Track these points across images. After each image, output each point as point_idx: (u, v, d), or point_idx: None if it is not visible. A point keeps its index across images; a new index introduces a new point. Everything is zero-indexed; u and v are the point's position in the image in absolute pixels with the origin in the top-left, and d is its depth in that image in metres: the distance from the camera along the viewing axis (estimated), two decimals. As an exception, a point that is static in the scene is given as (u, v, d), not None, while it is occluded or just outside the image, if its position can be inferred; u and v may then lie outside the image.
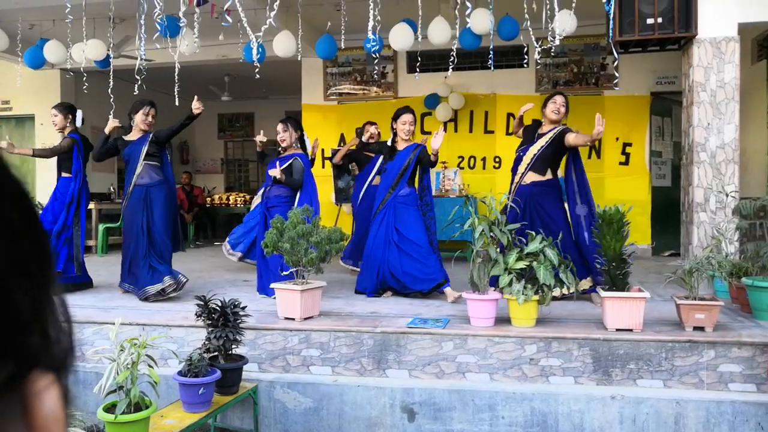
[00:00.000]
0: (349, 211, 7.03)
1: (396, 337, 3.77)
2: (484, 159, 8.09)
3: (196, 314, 3.49)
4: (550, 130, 4.66)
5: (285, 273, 4.28)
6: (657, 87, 7.76)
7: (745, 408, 3.32)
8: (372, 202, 5.80)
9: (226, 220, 11.62)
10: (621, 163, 7.83)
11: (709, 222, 4.84)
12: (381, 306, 4.54)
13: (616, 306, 3.64)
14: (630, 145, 7.80)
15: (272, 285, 4.27)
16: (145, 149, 4.95)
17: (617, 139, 7.81)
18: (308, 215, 4.19)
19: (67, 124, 5.39)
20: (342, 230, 4.24)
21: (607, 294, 3.69)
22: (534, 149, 4.64)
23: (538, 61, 7.77)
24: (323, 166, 7.84)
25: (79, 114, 5.41)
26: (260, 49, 5.55)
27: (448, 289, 4.69)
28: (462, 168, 8.02)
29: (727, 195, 4.75)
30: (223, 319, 3.40)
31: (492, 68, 5.34)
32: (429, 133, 7.75)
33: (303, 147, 5.28)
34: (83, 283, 5.37)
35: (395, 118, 5.03)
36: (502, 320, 3.84)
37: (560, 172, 4.85)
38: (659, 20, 4.92)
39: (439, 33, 5.65)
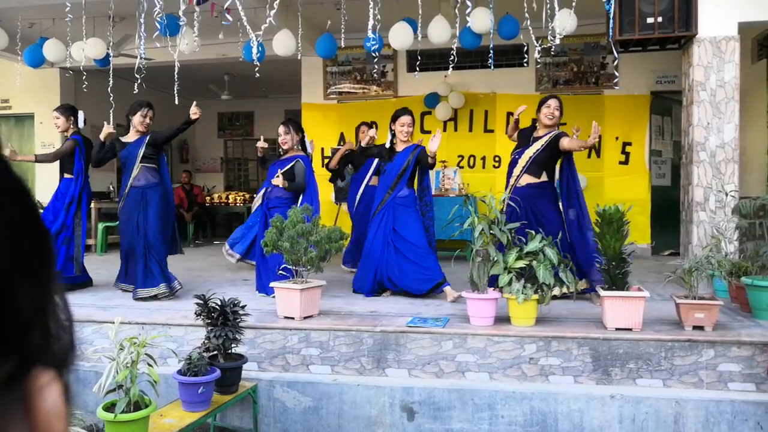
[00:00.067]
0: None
1: (395, 336, 3.77)
2: (483, 158, 8.09)
3: (195, 313, 3.49)
4: (546, 134, 4.67)
5: (282, 271, 4.28)
6: (657, 86, 7.76)
7: (744, 407, 3.32)
8: (369, 203, 5.81)
9: (225, 219, 11.63)
10: (621, 163, 7.83)
11: (709, 221, 4.84)
12: (380, 305, 4.54)
13: (616, 305, 3.64)
14: (630, 144, 7.80)
15: (272, 284, 4.27)
16: (142, 151, 4.95)
17: (617, 138, 7.81)
18: (308, 214, 4.19)
19: (70, 126, 5.38)
20: (341, 229, 4.24)
21: (606, 293, 3.69)
22: (529, 152, 4.66)
23: (538, 61, 7.76)
24: (323, 165, 7.83)
25: (81, 115, 5.42)
26: (260, 48, 5.55)
27: (447, 288, 4.69)
28: (462, 167, 8.02)
29: (726, 194, 4.75)
30: (223, 318, 3.39)
31: (492, 67, 5.34)
32: (429, 132, 7.75)
33: (304, 149, 5.28)
34: (83, 282, 5.37)
35: (394, 119, 5.04)
36: (502, 319, 3.84)
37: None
38: (659, 19, 4.92)
39: (439, 32, 5.65)
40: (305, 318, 4.01)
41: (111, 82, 5.78)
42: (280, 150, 5.28)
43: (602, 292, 3.73)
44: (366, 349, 3.80)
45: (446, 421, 3.56)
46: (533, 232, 4.02)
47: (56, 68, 8.46)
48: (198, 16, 5.53)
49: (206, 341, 3.41)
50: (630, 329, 3.60)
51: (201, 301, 3.44)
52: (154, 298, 4.76)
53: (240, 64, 6.56)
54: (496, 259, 3.87)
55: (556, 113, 4.67)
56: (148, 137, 5.01)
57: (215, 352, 3.40)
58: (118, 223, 5.57)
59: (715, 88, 4.88)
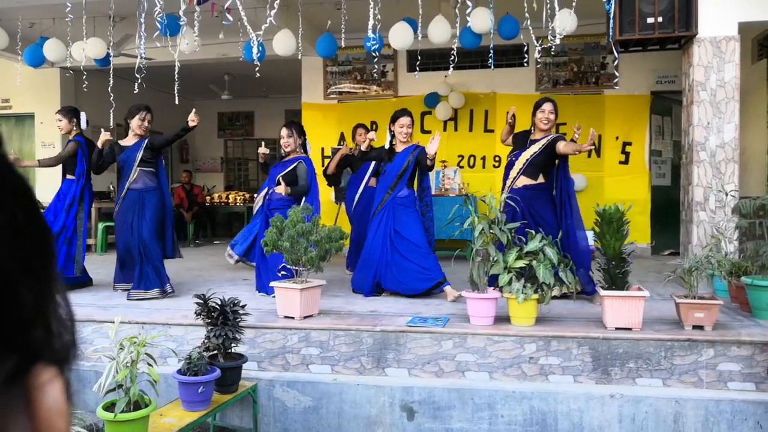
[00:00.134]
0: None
1: (395, 335, 3.77)
2: (483, 158, 8.09)
3: (195, 313, 3.49)
4: (543, 137, 4.68)
5: (282, 272, 4.28)
6: (657, 86, 7.76)
7: (744, 407, 3.32)
8: (368, 203, 5.81)
9: (225, 218, 11.63)
10: (621, 162, 7.83)
11: (709, 221, 4.84)
12: (380, 305, 4.54)
13: (616, 305, 3.64)
14: (630, 144, 7.80)
15: (272, 283, 4.28)
16: (140, 155, 4.97)
17: (617, 138, 7.81)
18: (308, 214, 4.19)
19: (73, 128, 5.40)
20: (341, 229, 4.24)
21: (606, 293, 3.69)
22: (527, 155, 4.67)
23: (539, 60, 7.76)
24: (323, 164, 7.84)
25: (83, 116, 5.43)
26: (260, 48, 5.55)
27: (447, 288, 4.69)
28: (462, 167, 8.02)
29: (726, 194, 4.76)
30: (223, 318, 3.40)
31: (492, 67, 5.34)
32: (429, 132, 7.75)
33: (304, 151, 5.28)
34: (82, 282, 5.38)
35: (393, 120, 5.04)
36: (502, 319, 3.84)
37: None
38: (659, 19, 4.92)
39: (440, 32, 5.65)
40: (305, 317, 4.01)
41: (111, 81, 5.78)
42: (282, 152, 5.28)
43: (602, 292, 3.73)
44: (366, 349, 3.80)
45: (446, 421, 3.56)
46: (533, 231, 4.02)
47: (56, 68, 8.46)
48: (198, 16, 5.53)
49: (206, 341, 3.42)
50: (630, 329, 3.60)
51: (201, 301, 3.45)
52: (146, 299, 4.80)
53: (240, 63, 6.56)
54: (496, 258, 3.87)
55: (551, 117, 4.68)
56: (146, 141, 5.03)
57: (215, 352, 3.40)
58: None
59: (715, 88, 4.88)
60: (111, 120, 5.94)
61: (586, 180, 7.71)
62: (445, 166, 7.68)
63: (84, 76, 6.24)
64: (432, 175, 7.16)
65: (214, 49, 7.39)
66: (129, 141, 5.10)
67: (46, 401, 0.49)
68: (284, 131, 5.17)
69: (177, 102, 5.82)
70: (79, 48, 6.35)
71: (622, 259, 3.80)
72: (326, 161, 7.89)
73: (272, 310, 4.21)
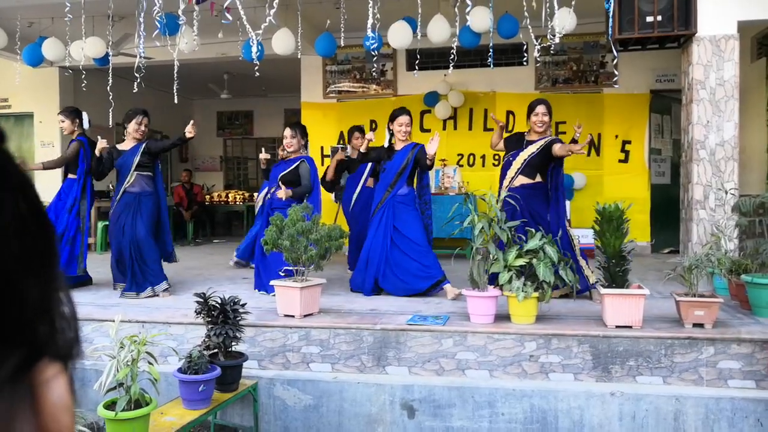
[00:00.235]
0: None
1: (396, 334, 3.78)
2: (483, 156, 8.08)
3: (195, 311, 3.49)
4: (540, 138, 4.70)
5: (283, 273, 4.28)
6: (656, 85, 7.76)
7: (744, 404, 3.33)
8: (365, 204, 5.82)
9: (225, 217, 11.63)
10: (620, 161, 7.83)
11: (709, 219, 4.84)
12: (381, 303, 4.54)
13: (616, 303, 3.65)
14: (629, 142, 7.81)
15: (272, 282, 4.28)
16: (137, 159, 4.99)
17: (617, 136, 7.82)
18: (308, 212, 4.19)
19: (75, 128, 5.41)
20: (341, 227, 4.24)
21: (606, 291, 3.70)
22: (524, 155, 4.70)
23: (538, 59, 7.76)
24: (322, 164, 7.85)
25: (86, 117, 5.45)
26: (259, 47, 5.54)
27: (447, 286, 4.69)
28: (461, 165, 8.02)
29: (726, 192, 4.76)
30: (223, 317, 3.40)
31: (491, 66, 5.34)
32: (429, 131, 7.76)
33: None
34: (83, 281, 5.39)
35: (392, 119, 5.06)
36: (502, 317, 3.84)
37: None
38: (659, 18, 4.93)
39: (439, 31, 5.64)
40: (305, 316, 4.01)
41: (110, 81, 5.77)
42: (284, 151, 5.29)
43: (602, 290, 3.74)
44: (366, 347, 3.80)
45: (446, 419, 3.56)
46: (533, 230, 4.03)
47: (55, 67, 8.45)
48: (197, 15, 5.53)
49: (206, 339, 3.42)
50: (630, 327, 3.60)
51: (201, 300, 3.45)
52: (138, 299, 4.85)
53: (239, 63, 6.55)
54: (496, 257, 3.88)
55: (546, 119, 4.71)
56: (143, 145, 5.04)
57: (215, 351, 3.40)
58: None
59: (714, 87, 4.88)
60: (110, 119, 5.94)
61: (585, 178, 7.71)
62: (445, 165, 7.68)
63: (83, 76, 6.23)
64: (432, 173, 7.16)
65: (213, 48, 7.38)
66: (126, 145, 5.12)
67: (51, 396, 0.49)
68: (288, 131, 5.18)
69: (176, 101, 5.82)
70: (78, 47, 6.35)
71: (622, 258, 3.80)
72: (326, 160, 7.90)
73: (272, 309, 4.21)
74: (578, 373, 3.58)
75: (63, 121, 5.41)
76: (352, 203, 6.21)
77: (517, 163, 4.73)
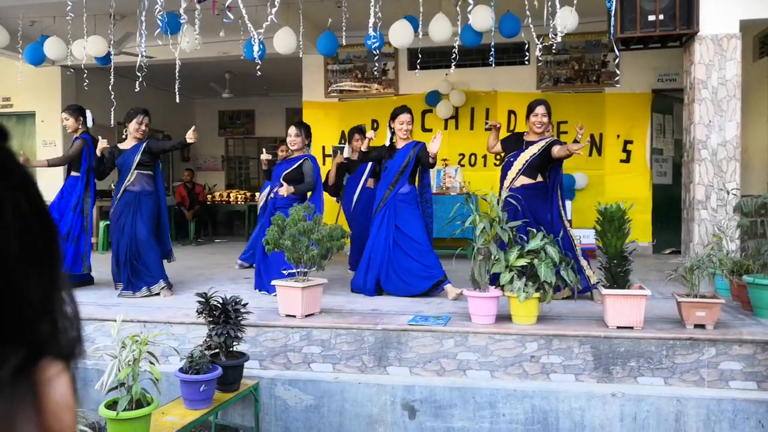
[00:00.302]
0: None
1: (397, 334, 3.78)
2: (485, 156, 8.08)
3: (197, 311, 3.49)
4: (540, 139, 4.70)
5: (286, 272, 4.28)
6: (658, 84, 7.75)
7: (745, 406, 3.32)
8: (366, 204, 5.83)
9: (226, 217, 11.63)
10: (622, 161, 7.82)
11: (710, 219, 4.83)
12: (382, 303, 4.54)
13: (617, 303, 3.64)
14: (631, 142, 7.80)
15: (273, 282, 4.28)
16: (137, 158, 5.01)
17: (618, 136, 7.80)
18: (309, 212, 4.19)
19: (79, 126, 5.42)
20: (343, 227, 4.24)
21: (608, 291, 3.69)
22: (526, 156, 4.70)
23: (540, 58, 7.75)
24: (323, 163, 7.85)
25: (89, 115, 5.46)
26: (261, 46, 5.54)
27: (448, 286, 4.69)
28: (463, 165, 8.01)
29: (728, 192, 4.75)
30: (225, 316, 3.40)
31: (493, 65, 5.33)
32: (430, 130, 7.75)
33: None
34: (84, 280, 5.40)
35: (393, 117, 5.06)
36: (503, 318, 3.84)
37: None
38: (661, 17, 4.92)
39: (440, 30, 5.64)
40: (307, 316, 4.02)
41: (112, 80, 5.78)
42: (283, 152, 5.32)
43: (604, 290, 3.73)
44: (367, 347, 3.80)
45: (447, 420, 3.56)
46: (534, 230, 4.02)
47: (57, 66, 8.46)
48: (199, 14, 5.53)
49: (208, 339, 3.42)
50: (631, 327, 3.60)
51: (203, 300, 3.45)
52: (135, 298, 4.87)
53: (241, 62, 6.56)
54: (497, 257, 3.87)
55: (545, 120, 4.71)
56: (144, 144, 5.06)
57: (217, 350, 3.41)
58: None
59: (716, 86, 4.87)
60: (111, 118, 5.95)
61: (587, 178, 7.71)
62: (446, 165, 7.68)
63: (85, 75, 6.24)
64: (433, 173, 7.16)
65: (214, 47, 7.38)
66: (127, 144, 5.14)
67: (53, 395, 0.50)
68: (293, 130, 5.21)
69: (178, 100, 5.82)
70: (79, 46, 6.35)
71: (623, 258, 3.80)
72: (327, 160, 7.90)
73: (274, 309, 4.21)
74: (579, 373, 3.58)
75: (67, 119, 5.42)
76: (353, 204, 6.21)
77: (519, 163, 4.73)
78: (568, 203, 6.32)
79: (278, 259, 4.54)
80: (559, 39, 4.92)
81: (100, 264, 6.47)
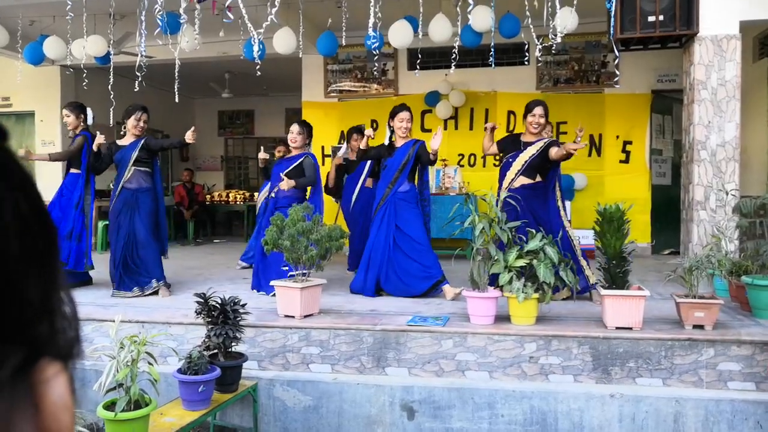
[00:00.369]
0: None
1: (396, 335, 3.77)
2: (484, 157, 8.06)
3: (195, 312, 3.49)
4: (538, 140, 4.71)
5: (286, 268, 4.28)
6: (658, 85, 7.75)
7: (744, 406, 3.32)
8: (365, 204, 5.83)
9: (225, 217, 11.62)
10: (621, 161, 7.82)
11: (709, 220, 4.83)
12: (381, 304, 4.54)
13: (616, 304, 3.64)
14: (630, 143, 7.80)
15: (272, 282, 4.28)
16: (135, 154, 5.02)
17: (618, 137, 7.81)
18: (308, 213, 4.19)
19: (80, 123, 5.42)
20: (342, 228, 4.24)
21: (606, 292, 3.69)
22: (525, 156, 4.71)
23: (539, 59, 7.75)
24: (323, 163, 7.85)
25: (90, 112, 5.47)
26: (261, 46, 5.54)
27: (446, 287, 4.69)
28: (462, 166, 8.01)
29: (727, 193, 4.75)
30: (223, 317, 3.40)
31: (493, 66, 5.33)
32: (429, 131, 7.75)
33: None
34: (82, 280, 5.40)
35: (392, 115, 5.06)
36: (502, 318, 3.84)
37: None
38: (661, 18, 4.91)
39: (440, 30, 5.64)
40: (305, 317, 4.01)
41: (111, 80, 5.78)
42: (280, 152, 5.33)
43: (603, 291, 3.73)
44: (366, 348, 3.80)
45: (446, 420, 3.56)
46: (533, 231, 4.02)
47: (57, 66, 8.46)
48: (199, 14, 5.53)
49: (206, 340, 3.42)
50: (630, 328, 3.60)
51: (201, 300, 3.45)
52: (127, 298, 4.88)
53: (241, 62, 6.55)
54: (496, 257, 3.87)
55: (542, 120, 4.71)
56: (142, 141, 5.06)
57: (215, 351, 3.40)
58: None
59: (716, 87, 4.87)
60: (111, 118, 5.94)
61: (586, 179, 7.71)
62: (446, 165, 7.68)
63: (84, 74, 6.24)
64: (432, 173, 7.17)
65: (214, 47, 7.38)
66: (126, 141, 5.16)
67: (52, 396, 0.50)
68: (296, 128, 5.24)
69: (177, 100, 5.82)
70: (79, 46, 6.35)
71: (622, 259, 3.80)
72: (326, 160, 7.90)
73: (272, 309, 4.21)
74: (578, 374, 3.58)
75: (68, 116, 5.42)
76: (352, 203, 6.21)
77: (518, 164, 4.73)
78: (567, 204, 6.32)
79: (277, 260, 4.55)
80: (558, 39, 4.92)
81: (99, 264, 6.46)
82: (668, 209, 7.29)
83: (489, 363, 3.66)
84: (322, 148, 8.32)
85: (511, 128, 7.81)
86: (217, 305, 3.42)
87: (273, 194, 5.18)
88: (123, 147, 5.11)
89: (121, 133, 5.25)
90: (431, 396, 3.58)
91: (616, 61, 5.17)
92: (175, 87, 5.63)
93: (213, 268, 6.77)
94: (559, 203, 4.73)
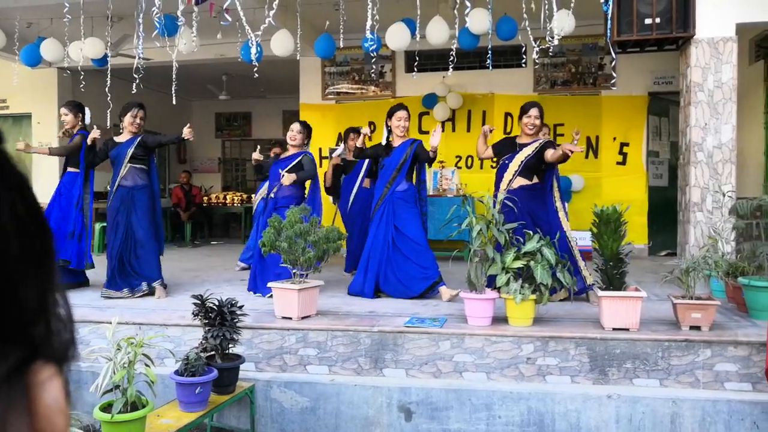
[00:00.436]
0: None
1: (393, 336, 3.77)
2: (482, 159, 8.08)
3: (193, 313, 3.49)
4: (534, 141, 4.72)
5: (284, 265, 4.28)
6: (654, 87, 7.77)
7: (740, 407, 3.33)
8: (362, 204, 5.84)
9: (222, 219, 11.61)
10: (618, 163, 7.84)
11: (706, 222, 4.85)
12: (378, 305, 4.54)
13: (613, 305, 3.65)
14: (627, 145, 7.82)
15: (269, 284, 4.27)
16: (131, 151, 5.01)
17: (615, 139, 7.82)
18: (306, 214, 4.19)
19: (78, 122, 5.42)
20: (339, 230, 4.24)
21: (604, 293, 3.70)
22: (521, 157, 4.72)
23: (536, 61, 7.77)
24: (320, 165, 7.85)
25: (88, 112, 5.48)
26: (258, 48, 5.55)
27: (443, 288, 4.69)
28: (459, 167, 8.02)
29: (723, 195, 4.76)
30: (220, 318, 3.39)
31: (490, 68, 5.34)
32: (427, 133, 7.75)
33: None
34: (79, 282, 5.39)
35: (390, 115, 5.08)
36: (499, 319, 3.84)
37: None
38: (657, 20, 4.93)
39: (438, 33, 5.65)
40: (303, 318, 4.01)
41: (109, 82, 5.77)
42: (274, 154, 5.35)
43: (600, 292, 3.74)
44: (363, 350, 3.80)
45: (443, 421, 3.56)
46: (531, 232, 4.03)
47: (54, 68, 8.45)
48: (196, 16, 5.53)
49: (203, 341, 3.41)
50: (627, 329, 3.60)
51: (198, 302, 3.44)
52: (116, 298, 4.88)
53: (238, 64, 6.56)
54: (493, 259, 3.88)
55: (537, 122, 4.73)
56: (139, 138, 5.06)
57: (212, 353, 3.40)
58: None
59: (712, 89, 4.89)
60: (108, 120, 5.94)
61: (583, 180, 7.72)
62: (443, 167, 7.68)
63: (81, 76, 6.23)
64: (429, 175, 7.17)
65: (212, 49, 7.39)
66: (123, 138, 5.16)
67: (46, 398, 0.50)
68: (297, 126, 5.30)
69: (175, 102, 5.81)
70: (76, 48, 6.35)
71: (619, 260, 3.80)
72: (324, 162, 7.90)
73: (270, 311, 4.21)
74: (575, 375, 3.58)
75: (66, 114, 5.42)
76: (350, 204, 6.21)
77: (514, 165, 4.74)
78: (565, 205, 6.33)
79: (275, 262, 4.54)
80: (556, 42, 4.93)
81: (96, 265, 6.45)
82: (665, 211, 7.30)
83: (486, 364, 3.66)
84: (320, 150, 8.32)
85: (508, 130, 7.82)
86: (214, 307, 3.42)
87: (273, 194, 5.18)
88: (119, 143, 5.10)
89: (120, 131, 5.24)
90: (429, 397, 3.58)
91: (613, 64, 5.19)
92: (173, 89, 5.63)
93: (210, 269, 6.77)
94: (558, 203, 4.74)
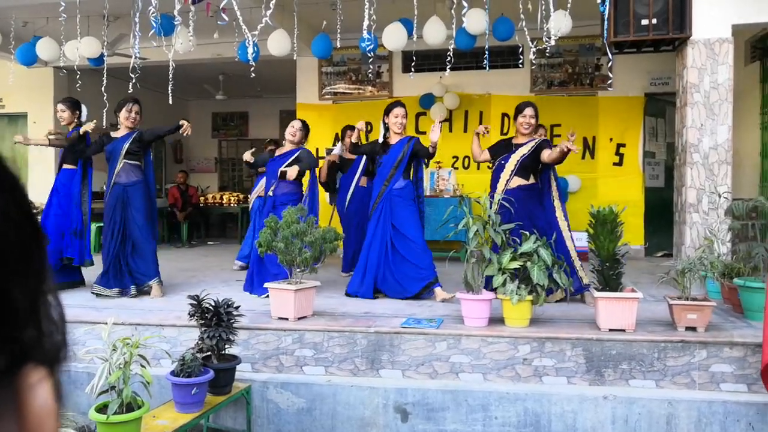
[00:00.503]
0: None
1: (389, 337, 3.77)
2: (478, 162, 8.08)
3: (189, 314, 3.48)
4: (529, 140, 4.73)
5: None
6: (651, 88, 7.79)
7: (736, 408, 3.34)
8: (360, 203, 5.84)
9: (219, 219, 11.59)
10: (615, 164, 7.86)
11: (702, 223, 4.86)
12: (375, 306, 4.54)
13: (609, 306, 3.65)
14: (624, 145, 7.83)
15: (266, 284, 4.27)
16: (126, 146, 5.00)
17: (611, 139, 7.84)
18: (303, 215, 4.18)
19: (75, 119, 5.41)
20: (336, 230, 4.24)
21: (600, 294, 3.70)
22: (517, 156, 4.73)
23: (533, 62, 7.73)
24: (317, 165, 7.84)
25: (84, 109, 5.46)
26: (255, 48, 5.54)
27: (438, 289, 4.69)
28: (456, 168, 8.02)
29: (719, 196, 4.77)
30: (217, 319, 3.39)
31: (487, 68, 5.34)
32: (424, 133, 7.75)
33: None
34: (74, 281, 5.37)
35: (387, 112, 5.09)
36: (496, 320, 3.84)
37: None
38: (654, 21, 4.94)
39: (435, 33, 5.65)
40: (299, 319, 4.01)
41: (105, 81, 5.76)
42: (271, 150, 5.36)
43: (596, 293, 3.74)
44: (360, 350, 3.79)
45: (440, 422, 3.56)
46: (527, 233, 4.03)
47: (50, 67, 8.42)
48: (193, 16, 5.51)
49: (200, 342, 3.40)
50: (623, 330, 3.61)
51: (194, 302, 3.44)
52: (106, 296, 4.89)
53: (235, 64, 6.55)
54: (490, 260, 3.88)
55: (532, 122, 4.74)
56: (135, 133, 5.05)
57: (209, 353, 3.39)
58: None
59: (708, 90, 4.90)
60: (104, 120, 5.92)
61: (580, 181, 7.73)
62: (440, 167, 7.69)
63: (78, 76, 6.22)
64: (426, 176, 7.17)
65: (208, 49, 7.37)
66: (119, 133, 5.15)
67: (36, 402, 0.49)
68: (298, 123, 5.34)
69: (171, 102, 5.80)
70: (72, 47, 6.32)
71: (615, 261, 3.81)
72: (320, 162, 7.88)
73: (266, 312, 4.20)
74: (571, 376, 3.59)
75: (63, 111, 5.40)
76: (347, 203, 6.21)
77: (511, 165, 4.75)
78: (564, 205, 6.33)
79: (272, 263, 4.54)
80: (552, 42, 4.94)
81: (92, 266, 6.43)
82: (661, 212, 7.33)
83: (483, 365, 3.66)
84: (317, 150, 8.31)
85: (505, 131, 7.83)
86: (211, 307, 3.41)
87: (271, 192, 5.18)
88: (115, 138, 5.09)
89: (117, 127, 5.22)
90: (425, 398, 3.58)
91: (610, 64, 5.20)
92: (169, 89, 5.61)
93: (206, 270, 6.75)
94: (556, 203, 4.73)
